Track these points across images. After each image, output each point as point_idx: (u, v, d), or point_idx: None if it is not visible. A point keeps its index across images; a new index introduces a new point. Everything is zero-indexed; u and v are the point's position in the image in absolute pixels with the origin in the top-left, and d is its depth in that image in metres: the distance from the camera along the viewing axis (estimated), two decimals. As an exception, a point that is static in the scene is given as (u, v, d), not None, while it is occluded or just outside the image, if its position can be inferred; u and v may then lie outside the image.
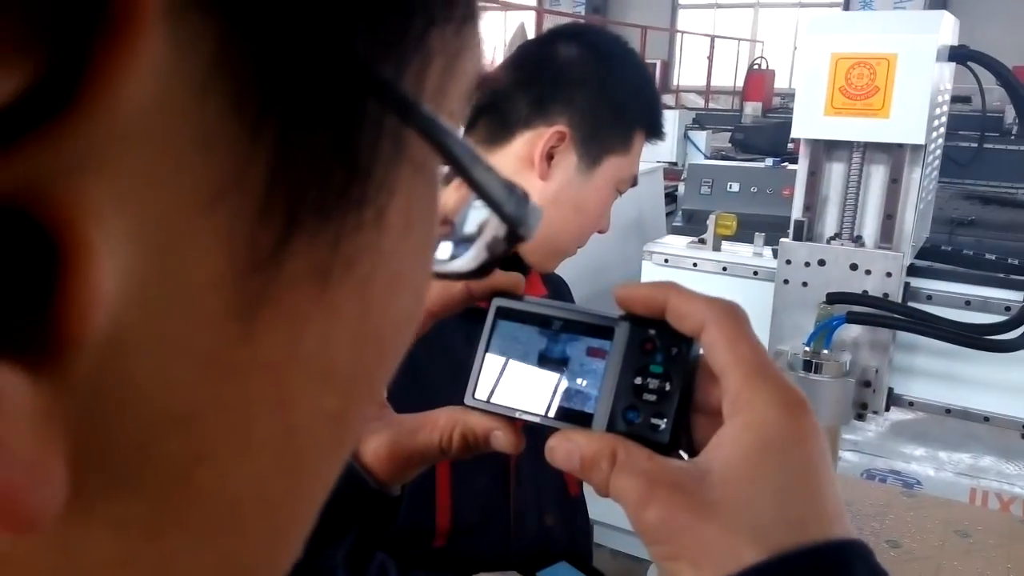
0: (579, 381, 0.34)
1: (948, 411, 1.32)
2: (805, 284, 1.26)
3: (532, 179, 0.85)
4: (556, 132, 0.84)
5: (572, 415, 0.34)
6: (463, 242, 0.19)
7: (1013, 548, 1.33)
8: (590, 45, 0.88)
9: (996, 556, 1.31)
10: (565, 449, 0.32)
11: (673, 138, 4.30)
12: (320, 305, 0.13)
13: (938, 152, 1.37)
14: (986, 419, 1.31)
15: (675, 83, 9.69)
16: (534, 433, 0.35)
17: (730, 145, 4.45)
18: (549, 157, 0.85)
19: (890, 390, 1.26)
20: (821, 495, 0.29)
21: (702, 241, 1.56)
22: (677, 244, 1.61)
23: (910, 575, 1.24)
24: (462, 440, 0.37)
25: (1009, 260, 1.42)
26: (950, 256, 1.42)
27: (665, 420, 0.32)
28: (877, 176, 1.25)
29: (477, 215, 0.19)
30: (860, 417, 1.25)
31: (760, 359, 0.31)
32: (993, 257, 1.43)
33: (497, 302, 0.37)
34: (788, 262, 1.27)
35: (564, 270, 0.98)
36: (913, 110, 1.16)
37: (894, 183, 1.22)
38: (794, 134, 1.23)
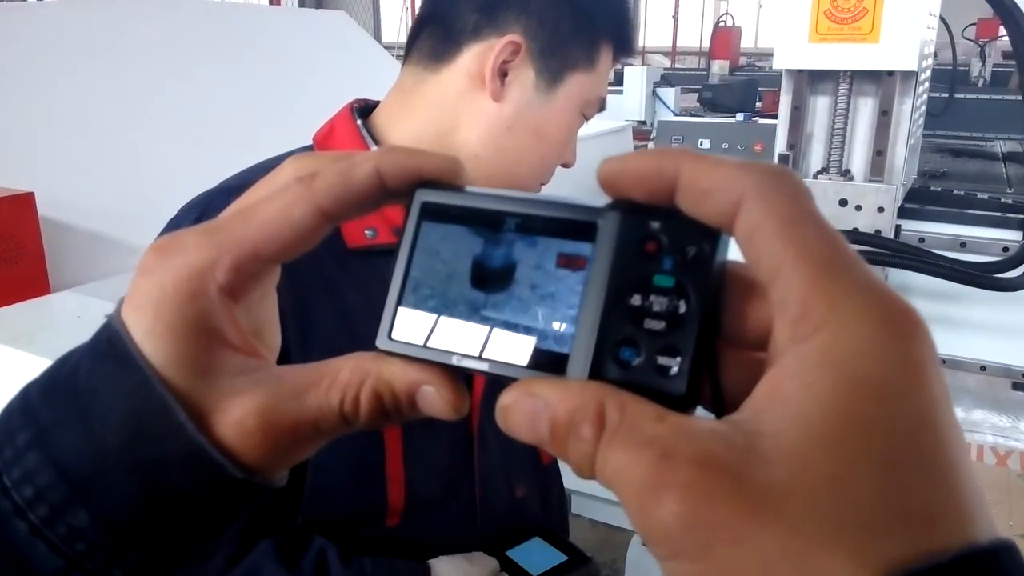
0: (548, 306, 0.22)
1: (943, 361, 1.24)
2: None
3: (484, 100, 0.73)
4: (509, 42, 0.72)
5: (539, 358, 0.22)
6: None
7: (1013, 504, 1.27)
8: None
9: (996, 513, 1.24)
10: (526, 409, 0.21)
11: (641, 96, 4.19)
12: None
13: (927, 84, 1.27)
14: (983, 368, 1.23)
15: (641, 44, 9.56)
16: (498, 385, 0.23)
17: (698, 105, 4.36)
18: (503, 74, 0.73)
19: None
20: (954, 468, 0.18)
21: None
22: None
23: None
24: (374, 400, 0.24)
25: (1003, 199, 1.33)
26: (940, 197, 1.33)
27: (679, 359, 0.20)
28: (865, 110, 1.14)
29: None
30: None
31: (837, 248, 0.19)
32: (986, 196, 1.35)
33: (422, 195, 0.25)
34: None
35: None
36: (905, 33, 1.05)
37: (884, 115, 1.11)
38: (776, 64, 1.12)
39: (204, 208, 0.70)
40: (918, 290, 1.20)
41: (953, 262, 1.08)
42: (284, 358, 0.26)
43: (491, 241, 0.23)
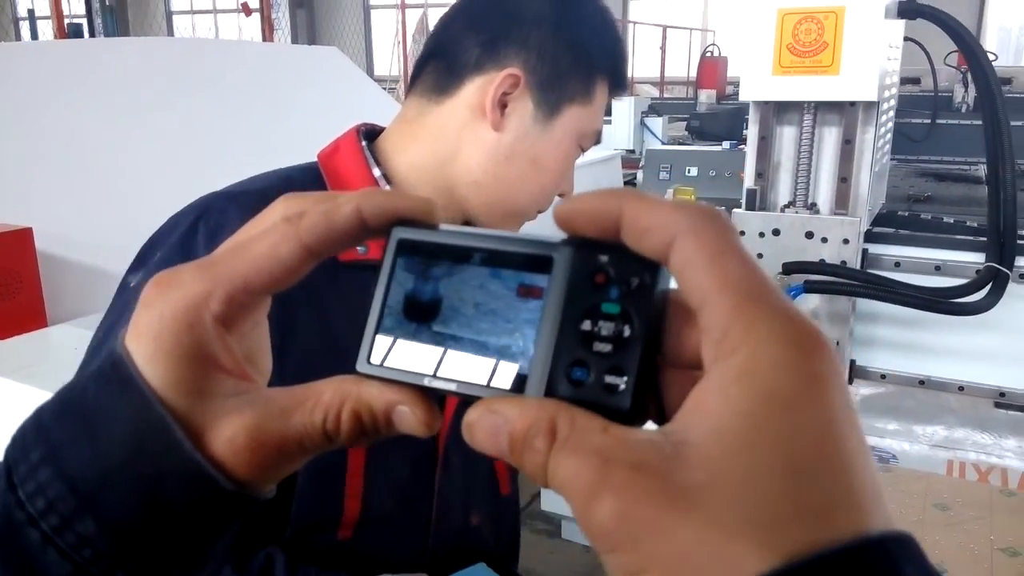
0: (509, 332, 0.25)
1: (922, 382, 1.27)
2: (760, 255, 1.19)
3: (485, 130, 0.77)
4: (509, 75, 0.76)
5: (501, 378, 0.25)
6: None
7: (994, 519, 1.29)
8: None
9: (977, 528, 1.27)
10: (488, 425, 0.24)
11: (629, 126, 4.26)
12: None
13: (891, 113, 1.33)
14: (961, 388, 1.26)
15: (630, 75, 9.69)
16: (466, 408, 0.26)
17: (686, 133, 4.43)
18: (503, 105, 0.77)
19: (852, 363, 1.21)
20: (851, 469, 0.21)
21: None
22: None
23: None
24: (354, 420, 0.27)
25: (968, 223, 1.37)
26: (908, 222, 1.37)
27: (625, 378, 0.23)
28: (830, 138, 1.19)
29: None
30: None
31: (755, 278, 0.22)
32: (952, 221, 1.39)
33: (398, 233, 0.27)
34: (742, 233, 1.21)
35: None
36: (864, 65, 1.10)
37: (847, 144, 1.16)
38: (742, 96, 1.17)
39: (204, 210, 0.71)
40: (887, 317, 1.24)
41: (915, 289, 1.11)
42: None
43: (459, 273, 0.27)
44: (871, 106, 1.15)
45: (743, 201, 1.22)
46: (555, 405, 0.23)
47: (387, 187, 0.78)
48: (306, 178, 0.78)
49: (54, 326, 1.59)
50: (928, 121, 3.17)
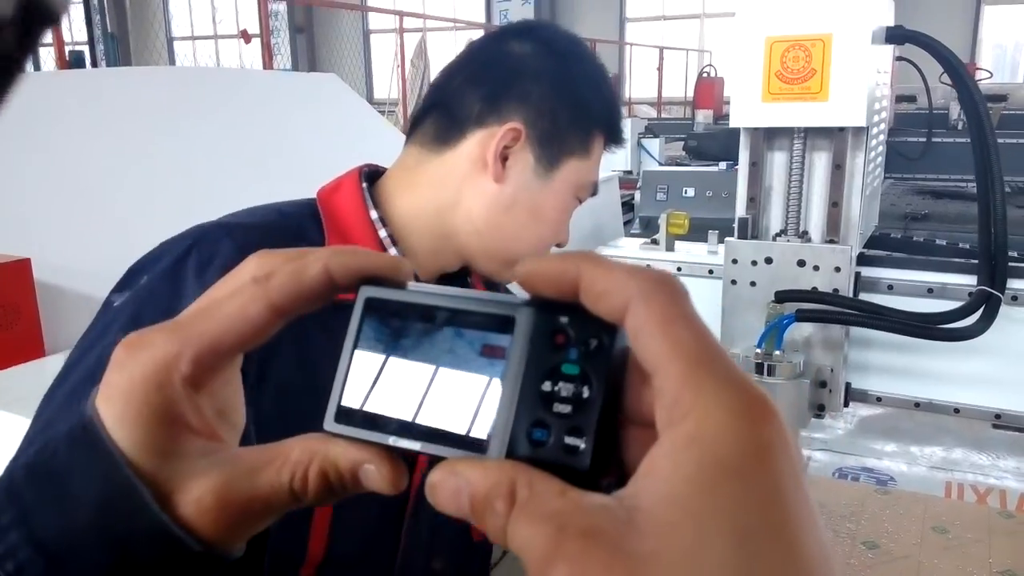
0: (472, 392, 0.25)
1: (917, 404, 1.27)
2: (753, 283, 1.20)
3: (486, 181, 0.79)
4: (510, 129, 0.78)
5: (463, 440, 0.25)
6: None
7: (993, 542, 1.28)
8: (544, 40, 0.82)
9: (976, 552, 1.26)
10: (451, 487, 0.24)
11: (627, 147, 4.29)
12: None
13: (881, 137, 1.34)
14: (956, 411, 1.26)
15: (627, 96, 9.76)
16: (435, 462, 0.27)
17: (684, 153, 4.45)
18: (503, 158, 0.79)
19: (848, 386, 1.21)
20: (797, 536, 0.21)
21: (655, 242, 1.51)
22: (630, 246, 1.55)
23: (889, 577, 1.18)
24: (321, 478, 0.27)
25: (960, 245, 1.38)
26: (900, 244, 1.38)
27: (584, 439, 0.24)
28: (820, 164, 1.20)
29: None
30: (818, 417, 1.20)
31: (705, 346, 0.23)
32: (944, 243, 1.40)
33: (366, 292, 0.28)
34: (735, 261, 1.21)
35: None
36: (852, 92, 1.11)
37: (837, 169, 1.17)
38: (732, 123, 1.18)
39: (197, 239, 0.71)
40: (882, 343, 1.24)
41: (906, 316, 1.12)
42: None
43: (425, 333, 0.27)
44: (860, 131, 1.16)
45: (735, 228, 1.22)
46: (515, 468, 0.23)
47: (383, 230, 0.79)
48: (303, 214, 0.79)
49: (51, 356, 1.59)
50: (924, 139, 3.18)
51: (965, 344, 1.12)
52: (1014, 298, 1.17)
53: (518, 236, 0.81)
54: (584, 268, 0.24)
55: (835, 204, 1.17)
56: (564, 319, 0.25)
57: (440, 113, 0.81)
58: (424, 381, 0.26)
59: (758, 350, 1.10)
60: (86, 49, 9.82)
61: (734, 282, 1.21)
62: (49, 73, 2.33)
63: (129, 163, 2.12)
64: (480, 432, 0.25)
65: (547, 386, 0.24)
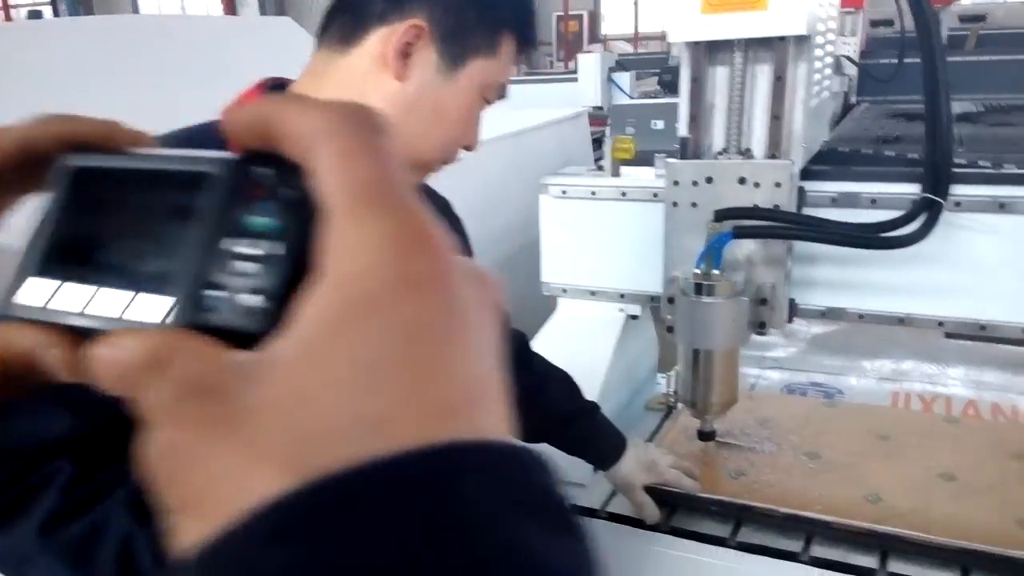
0: (158, 258, 0.23)
1: (861, 316, 1.28)
2: (694, 204, 1.18)
3: (388, 80, 0.79)
4: (411, 26, 0.78)
5: (142, 310, 0.22)
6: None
7: (935, 446, 1.30)
8: None
9: (916, 455, 1.28)
10: (106, 358, 0.20)
11: (596, 82, 4.22)
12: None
13: (828, 47, 1.31)
14: (900, 320, 1.27)
15: (603, 33, 9.59)
16: None
17: (659, 88, 4.38)
18: (406, 55, 0.79)
19: (792, 302, 1.21)
20: (437, 375, 0.19)
21: (600, 168, 1.49)
22: (577, 173, 1.53)
23: (830, 484, 1.21)
24: None
25: (909, 155, 1.37)
26: (846, 157, 1.36)
27: (261, 298, 0.21)
28: (763, 78, 1.17)
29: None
30: (759, 334, 1.20)
31: (379, 179, 0.20)
32: (894, 154, 1.39)
33: (67, 159, 0.25)
34: (676, 183, 1.19)
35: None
36: (792, -1, 1.09)
37: (779, 81, 1.15)
38: (671, 38, 1.15)
39: None
40: (825, 257, 1.23)
41: (843, 226, 1.11)
42: None
43: (125, 200, 0.24)
44: (802, 40, 1.13)
45: (678, 149, 1.21)
46: (177, 335, 0.20)
47: None
48: (208, 130, 0.77)
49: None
50: (895, 61, 3.14)
51: (910, 253, 1.12)
52: (957, 204, 1.16)
53: (422, 135, 0.82)
54: (272, 110, 0.22)
55: (776, 117, 1.15)
56: (260, 171, 0.22)
57: (345, 13, 0.81)
58: (114, 255, 0.24)
59: (697, 271, 1.10)
60: (49, 8, 9.52)
61: (675, 204, 1.19)
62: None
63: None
64: (160, 304, 0.22)
65: (231, 245, 0.22)
